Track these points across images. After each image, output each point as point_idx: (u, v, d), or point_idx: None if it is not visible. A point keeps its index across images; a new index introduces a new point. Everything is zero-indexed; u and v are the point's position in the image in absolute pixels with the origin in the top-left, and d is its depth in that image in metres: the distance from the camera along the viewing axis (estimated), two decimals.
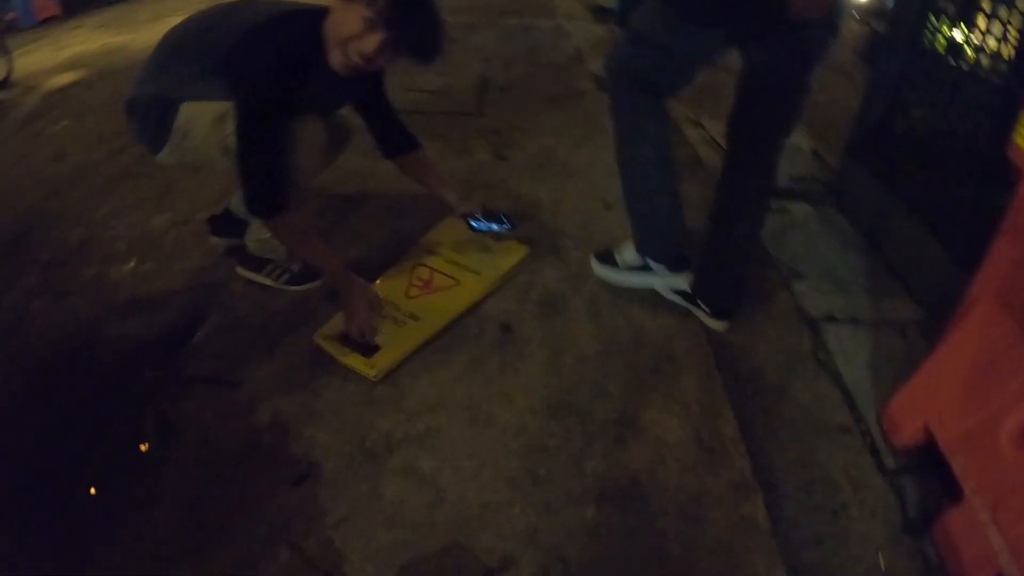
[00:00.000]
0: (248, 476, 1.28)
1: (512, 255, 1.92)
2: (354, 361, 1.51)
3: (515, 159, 2.71)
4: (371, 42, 1.33)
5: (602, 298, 1.83)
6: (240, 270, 1.82)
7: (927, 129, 2.19)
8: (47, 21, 6.01)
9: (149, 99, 1.54)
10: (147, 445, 1.35)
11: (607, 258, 1.84)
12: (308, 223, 1.50)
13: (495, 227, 1.91)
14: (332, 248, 1.65)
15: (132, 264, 1.95)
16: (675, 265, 1.72)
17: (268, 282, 1.79)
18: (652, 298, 1.82)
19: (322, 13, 1.43)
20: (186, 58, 1.50)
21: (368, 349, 1.53)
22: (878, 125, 2.36)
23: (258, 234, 1.74)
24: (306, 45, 1.40)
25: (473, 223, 1.90)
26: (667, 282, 1.76)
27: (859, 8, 9.28)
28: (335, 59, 1.39)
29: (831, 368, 1.70)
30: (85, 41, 5.15)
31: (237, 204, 1.82)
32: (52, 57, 4.72)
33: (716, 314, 1.71)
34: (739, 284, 1.73)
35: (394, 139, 1.82)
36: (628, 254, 1.80)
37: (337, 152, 1.76)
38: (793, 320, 1.84)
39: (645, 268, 1.76)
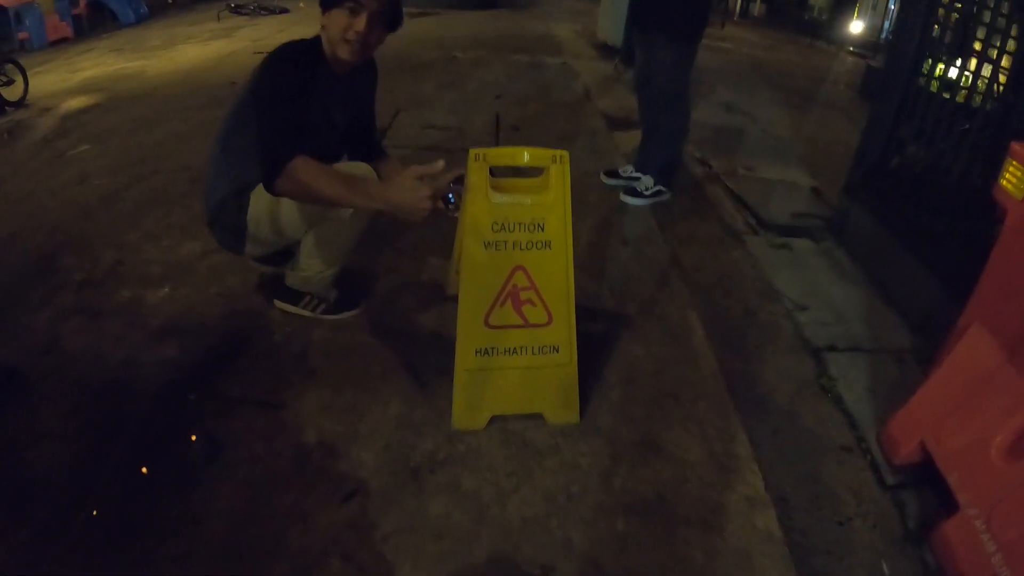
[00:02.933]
0: (298, 493, 1.36)
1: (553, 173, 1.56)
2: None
3: None
4: (360, 22, 1.57)
5: (620, 334, 1.95)
6: (278, 303, 1.91)
7: (921, 166, 2.36)
8: (58, 43, 6.11)
9: (220, 204, 1.70)
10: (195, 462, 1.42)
11: (632, 191, 2.85)
12: (319, 166, 1.48)
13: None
14: (352, 178, 1.52)
15: (167, 289, 2.03)
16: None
17: (306, 313, 1.88)
18: (671, 331, 1.95)
19: (312, 39, 1.66)
20: (229, 144, 1.69)
21: None
22: (875, 163, 2.51)
23: (299, 270, 1.82)
24: (309, 50, 1.63)
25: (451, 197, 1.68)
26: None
27: (855, 41, 9.41)
28: (343, 53, 1.61)
29: (834, 393, 1.82)
30: (98, 64, 5.25)
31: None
32: (65, 79, 4.82)
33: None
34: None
35: (373, 149, 1.92)
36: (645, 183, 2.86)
37: None
38: (798, 350, 1.97)
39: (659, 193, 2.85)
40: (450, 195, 1.76)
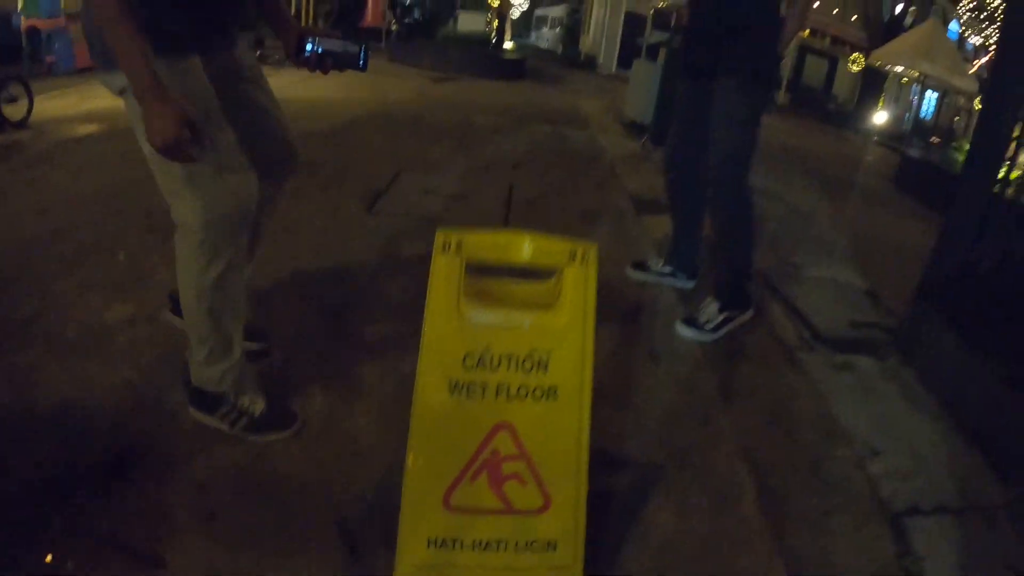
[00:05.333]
0: None
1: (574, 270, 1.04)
2: None
3: None
4: None
5: (646, 495, 1.48)
6: (192, 410, 1.45)
7: None
8: (86, 71, 6.04)
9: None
10: None
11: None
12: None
13: (336, 49, 1.29)
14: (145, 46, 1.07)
15: (74, 359, 1.60)
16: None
17: (223, 427, 1.41)
18: (716, 491, 1.48)
19: None
20: None
21: None
22: (958, 263, 2.05)
23: (197, 355, 1.36)
24: None
25: (308, 45, 1.28)
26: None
27: (879, 131, 9.33)
28: None
29: None
30: (112, 96, 5.11)
31: None
32: (75, 106, 4.65)
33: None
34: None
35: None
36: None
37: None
38: (874, 516, 1.49)
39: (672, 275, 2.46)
40: (309, 43, 1.29)
